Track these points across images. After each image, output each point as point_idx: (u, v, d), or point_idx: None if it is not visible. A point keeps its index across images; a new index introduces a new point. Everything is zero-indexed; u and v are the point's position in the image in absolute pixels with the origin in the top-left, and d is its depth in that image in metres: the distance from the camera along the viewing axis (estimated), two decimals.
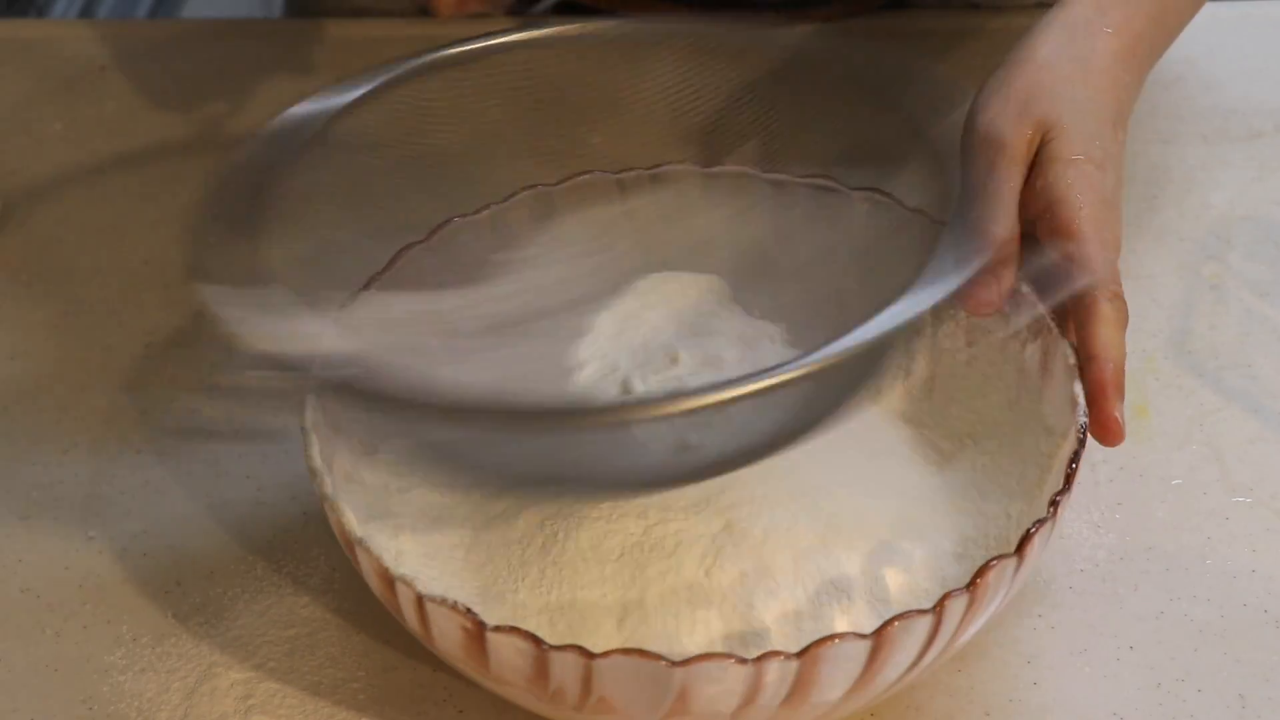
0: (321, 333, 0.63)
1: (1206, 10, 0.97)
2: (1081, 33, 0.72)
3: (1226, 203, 0.88)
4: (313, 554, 0.72)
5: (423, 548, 0.68)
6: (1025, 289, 0.70)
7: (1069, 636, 0.69)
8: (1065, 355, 0.68)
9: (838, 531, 0.66)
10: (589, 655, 0.59)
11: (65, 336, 0.82)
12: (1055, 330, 0.69)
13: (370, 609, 0.67)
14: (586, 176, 0.75)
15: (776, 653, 0.59)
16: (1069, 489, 0.64)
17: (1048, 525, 0.62)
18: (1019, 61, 0.72)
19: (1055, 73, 0.71)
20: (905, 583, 0.65)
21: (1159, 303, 0.82)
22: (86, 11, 1.74)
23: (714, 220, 0.76)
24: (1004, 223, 0.68)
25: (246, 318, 0.61)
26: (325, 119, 0.70)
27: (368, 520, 0.68)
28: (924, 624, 0.60)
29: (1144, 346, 0.80)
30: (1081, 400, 0.66)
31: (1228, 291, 0.83)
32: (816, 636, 0.60)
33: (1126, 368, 0.78)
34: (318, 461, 0.65)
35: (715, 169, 0.75)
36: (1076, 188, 0.69)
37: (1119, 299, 0.68)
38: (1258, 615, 0.70)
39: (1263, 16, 0.99)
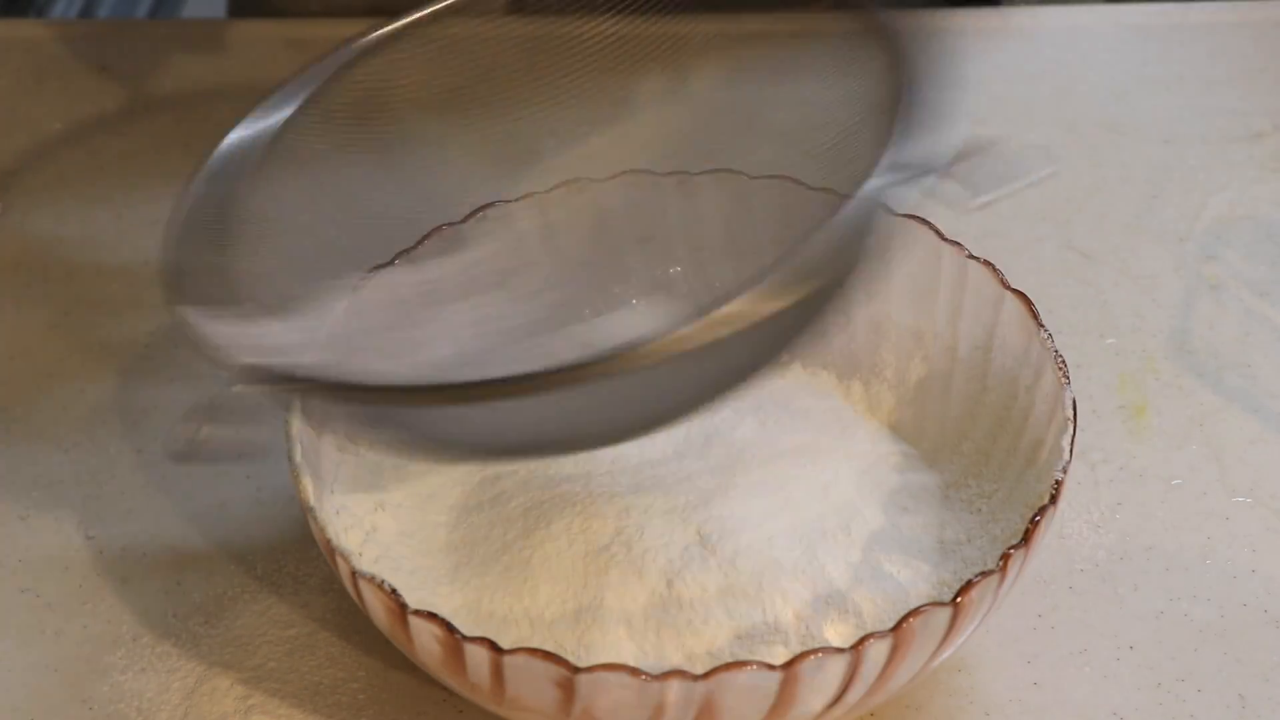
0: (300, 339, 0.63)
1: (1207, 10, 0.98)
2: None
3: (1226, 203, 0.88)
4: (313, 554, 0.72)
5: (401, 525, 0.69)
6: (1043, 335, 0.69)
7: (1069, 636, 0.69)
8: (1054, 367, 0.68)
9: (812, 554, 0.66)
10: (498, 650, 0.59)
11: (65, 336, 0.82)
12: (1047, 343, 0.68)
13: None
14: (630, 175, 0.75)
15: (680, 672, 0.58)
16: (1054, 504, 0.63)
17: (993, 576, 0.61)
18: None
19: None
20: (873, 609, 0.65)
21: (1159, 303, 0.83)
22: (86, 11, 1.74)
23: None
24: None
25: (227, 332, 0.61)
26: (277, 127, 0.69)
27: (351, 492, 0.68)
28: (840, 662, 0.59)
29: (1144, 346, 0.80)
30: (1070, 414, 0.66)
31: (1228, 291, 0.83)
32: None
33: (1126, 367, 0.79)
34: (295, 428, 0.66)
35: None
36: None
37: None
38: (1258, 615, 0.70)
39: (1263, 18, 0.99)
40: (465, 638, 0.59)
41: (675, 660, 0.64)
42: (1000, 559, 0.61)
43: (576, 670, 0.58)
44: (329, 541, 0.63)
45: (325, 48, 0.72)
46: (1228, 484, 0.75)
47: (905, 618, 0.59)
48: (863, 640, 0.59)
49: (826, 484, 0.69)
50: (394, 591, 0.60)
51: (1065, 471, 0.64)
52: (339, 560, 0.62)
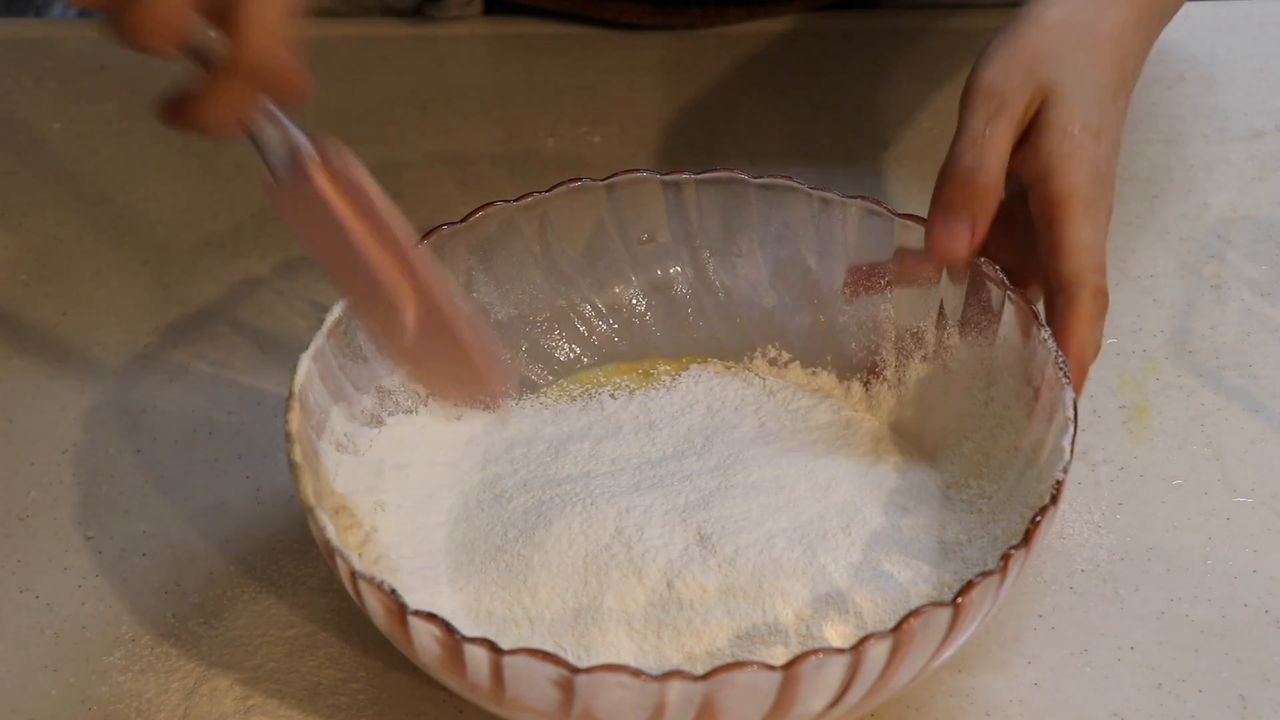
0: None
1: (1209, 10, 0.97)
2: None
3: (1227, 203, 0.88)
4: (313, 554, 0.72)
5: (403, 525, 0.69)
6: (1039, 316, 0.69)
7: (1069, 637, 0.69)
8: (1057, 368, 0.68)
9: (812, 554, 0.66)
10: (498, 650, 0.59)
11: (65, 336, 0.82)
12: (1048, 341, 0.68)
13: None
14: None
15: (680, 673, 0.58)
16: (1055, 504, 0.63)
17: (994, 576, 0.61)
18: (1029, 21, 0.72)
19: (1063, 37, 0.71)
20: (873, 609, 0.65)
21: (1159, 303, 0.82)
22: (86, 11, 1.74)
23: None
24: (990, 170, 0.69)
25: None
26: None
27: (351, 492, 0.68)
28: (840, 662, 0.59)
29: (1144, 346, 0.80)
30: (1071, 414, 0.66)
31: (1228, 291, 0.83)
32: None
33: (1127, 368, 0.78)
34: (295, 428, 0.66)
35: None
36: (1071, 159, 0.69)
37: (1102, 293, 0.68)
38: (1258, 615, 0.70)
39: (1264, 16, 0.99)
40: (465, 638, 0.59)
41: (675, 660, 0.64)
42: (1001, 559, 0.61)
43: (576, 671, 0.58)
44: (329, 542, 0.62)
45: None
46: (1228, 484, 0.75)
47: (906, 618, 0.59)
48: (863, 640, 0.59)
49: (826, 484, 0.69)
50: (393, 592, 0.60)
51: (1066, 472, 0.64)
52: (339, 560, 0.62)
